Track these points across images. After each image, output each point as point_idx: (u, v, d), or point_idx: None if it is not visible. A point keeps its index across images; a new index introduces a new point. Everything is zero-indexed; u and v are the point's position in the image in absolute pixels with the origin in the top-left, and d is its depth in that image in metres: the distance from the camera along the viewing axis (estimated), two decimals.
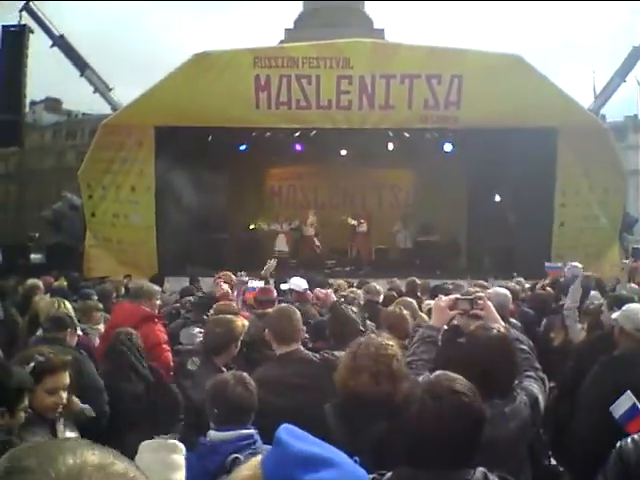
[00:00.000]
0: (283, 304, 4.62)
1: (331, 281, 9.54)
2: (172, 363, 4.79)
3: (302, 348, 3.77)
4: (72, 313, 5.51)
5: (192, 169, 16.27)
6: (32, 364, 3.01)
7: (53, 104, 62.85)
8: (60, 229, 18.10)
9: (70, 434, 2.95)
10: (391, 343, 2.94)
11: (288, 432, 1.17)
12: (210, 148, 16.56)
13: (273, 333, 3.75)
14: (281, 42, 20.17)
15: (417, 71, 14.49)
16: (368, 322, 4.70)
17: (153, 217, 15.03)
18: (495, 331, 2.76)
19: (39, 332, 4.73)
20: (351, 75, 14.54)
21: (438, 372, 2.10)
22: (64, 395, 3.09)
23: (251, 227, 18.44)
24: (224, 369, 3.74)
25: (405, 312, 4.25)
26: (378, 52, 14.86)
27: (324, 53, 14.67)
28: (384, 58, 14.61)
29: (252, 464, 1.21)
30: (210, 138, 16.19)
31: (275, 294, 6.19)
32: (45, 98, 60.71)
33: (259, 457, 1.21)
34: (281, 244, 17.39)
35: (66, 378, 3.13)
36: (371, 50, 14.92)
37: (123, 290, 9.24)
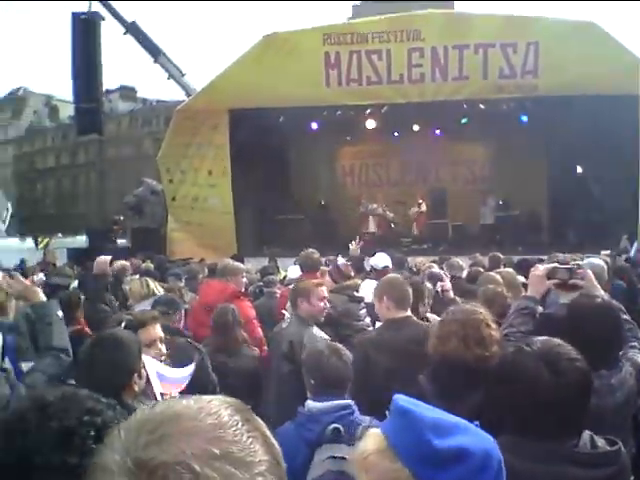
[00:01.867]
0: (392, 274, 4.71)
1: (409, 259, 9.46)
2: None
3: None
4: (160, 292, 5.68)
5: (265, 150, 16.49)
6: (123, 323, 3.15)
7: (128, 92, 64.84)
8: (142, 214, 18.70)
9: None
10: (481, 310, 2.90)
11: (408, 401, 1.15)
12: (282, 129, 16.67)
13: (392, 299, 3.84)
14: (349, 19, 19.98)
15: (491, 40, 14.09)
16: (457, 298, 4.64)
17: (230, 199, 15.29)
18: (600, 300, 2.66)
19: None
20: (422, 47, 14.26)
21: (544, 338, 2.04)
22: (162, 347, 3.15)
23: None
24: None
25: (503, 290, 4.19)
26: (450, 23, 14.55)
27: (394, 27, 14.45)
28: (456, 28, 14.27)
29: (373, 436, 1.19)
30: (282, 119, 16.28)
31: (352, 271, 6.33)
32: (120, 86, 62.61)
33: (376, 429, 1.19)
34: (372, 225, 17.60)
35: (159, 331, 3.19)
36: (443, 21, 14.61)
37: (206, 271, 9.44)
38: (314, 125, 17.81)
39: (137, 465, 0.70)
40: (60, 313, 3.13)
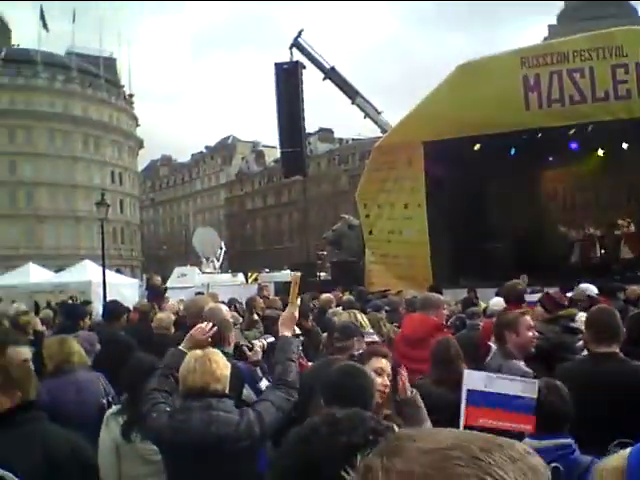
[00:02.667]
0: (603, 304, 4.39)
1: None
2: None
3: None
4: (366, 324, 5.82)
5: (461, 179, 16.29)
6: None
7: (326, 134, 68.46)
8: (341, 248, 19.46)
9: None
10: None
11: None
12: (478, 156, 16.36)
13: (594, 331, 3.58)
14: (546, 38, 19.24)
15: None
16: None
17: (426, 231, 15.32)
18: None
19: None
20: (627, 63, 13.64)
21: None
22: (387, 380, 3.15)
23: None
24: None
25: None
26: None
27: (596, 44, 14.00)
28: None
29: (620, 455, 1.19)
30: (477, 146, 15.99)
31: (566, 300, 5.99)
32: (319, 129, 66.17)
33: (627, 450, 1.19)
34: (598, 249, 16.47)
35: (387, 365, 3.20)
36: None
37: (404, 303, 9.50)
38: (512, 150, 17.22)
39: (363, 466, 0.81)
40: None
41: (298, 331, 5.72)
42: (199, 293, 14.12)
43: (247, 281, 31.34)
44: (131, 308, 9.13)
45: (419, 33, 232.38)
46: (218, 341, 4.09)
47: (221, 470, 2.82)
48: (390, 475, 0.76)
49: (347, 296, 9.71)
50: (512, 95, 14.08)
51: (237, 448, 2.84)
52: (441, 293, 11.18)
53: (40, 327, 7.46)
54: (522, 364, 4.11)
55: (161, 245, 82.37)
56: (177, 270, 32.04)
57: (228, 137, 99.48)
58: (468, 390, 2.59)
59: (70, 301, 15.30)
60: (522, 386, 2.59)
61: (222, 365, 2.95)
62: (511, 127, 14.45)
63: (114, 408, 3.79)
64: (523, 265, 15.05)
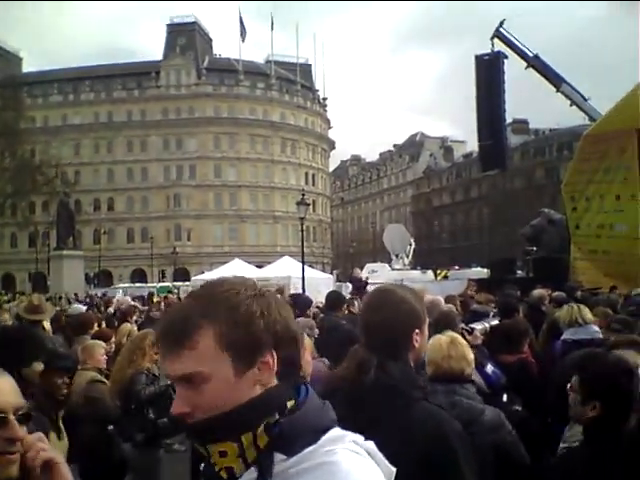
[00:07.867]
0: None
1: None
2: None
3: None
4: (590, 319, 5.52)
5: None
6: None
7: (520, 125, 65.33)
8: (540, 244, 18.53)
9: None
10: None
11: None
12: None
13: None
14: None
15: None
16: None
17: (639, 226, 14.07)
18: None
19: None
20: None
21: None
22: None
23: None
24: None
25: None
26: None
27: None
28: None
29: None
30: None
31: None
32: (512, 120, 63.56)
33: None
34: None
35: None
36: None
37: (621, 301, 8.85)
38: None
39: None
40: None
41: None
42: None
43: (436, 278, 31.04)
44: None
45: (623, 16, 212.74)
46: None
47: None
48: None
49: (558, 293, 9.25)
50: None
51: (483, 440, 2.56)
52: None
53: None
54: None
55: (350, 242, 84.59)
56: (368, 266, 32.69)
57: (416, 134, 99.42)
58: None
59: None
60: None
61: (468, 349, 2.94)
62: None
63: None
64: None
